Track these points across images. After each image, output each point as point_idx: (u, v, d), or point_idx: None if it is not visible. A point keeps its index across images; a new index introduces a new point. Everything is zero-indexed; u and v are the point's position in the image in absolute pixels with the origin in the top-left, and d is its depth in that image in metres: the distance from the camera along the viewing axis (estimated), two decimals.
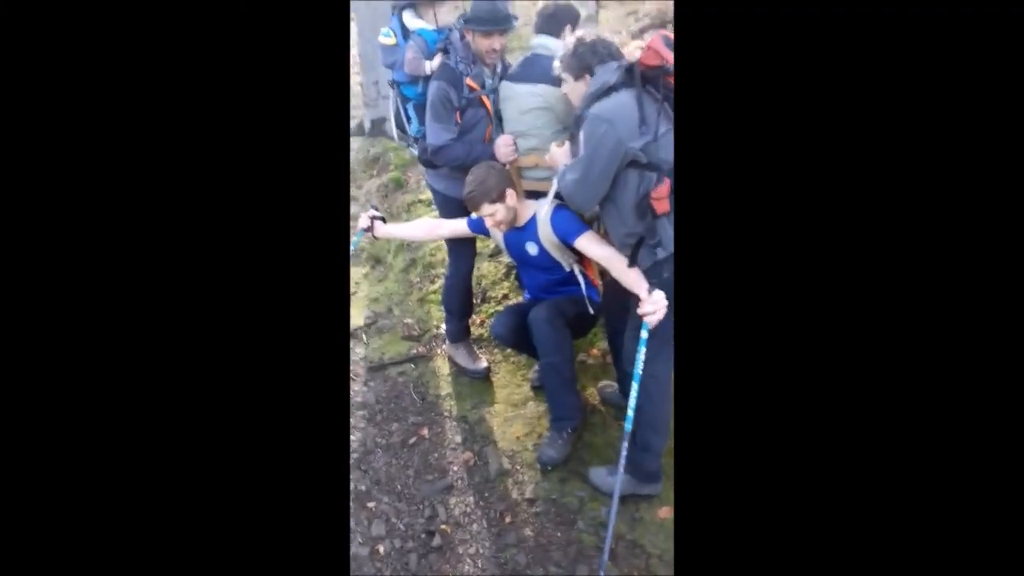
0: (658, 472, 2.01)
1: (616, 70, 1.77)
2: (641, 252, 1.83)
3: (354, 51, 5.97)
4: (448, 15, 2.34)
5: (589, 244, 2.02)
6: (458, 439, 2.38)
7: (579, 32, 1.95)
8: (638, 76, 1.73)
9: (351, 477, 2.23)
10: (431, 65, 2.23)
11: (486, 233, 2.29)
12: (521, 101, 2.17)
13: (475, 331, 2.85)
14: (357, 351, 2.95)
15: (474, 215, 2.18)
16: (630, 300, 1.90)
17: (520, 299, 2.82)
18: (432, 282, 3.32)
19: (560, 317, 2.14)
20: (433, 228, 2.51)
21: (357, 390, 2.68)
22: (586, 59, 1.83)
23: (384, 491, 2.17)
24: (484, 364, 2.65)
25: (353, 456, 2.32)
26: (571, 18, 2.23)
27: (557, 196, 2.00)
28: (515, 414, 2.45)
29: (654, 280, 1.80)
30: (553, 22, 2.20)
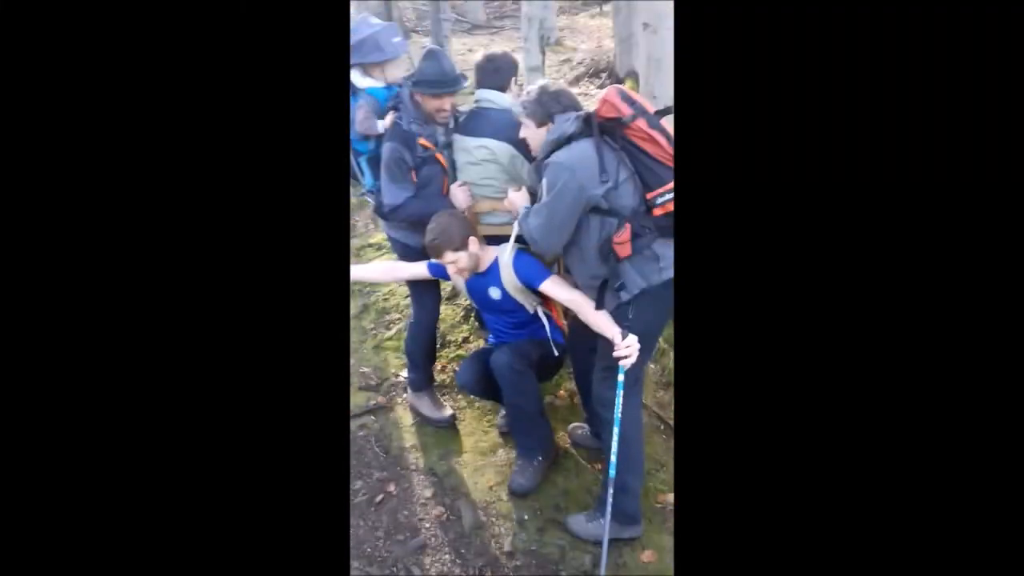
0: (637, 514, 2.01)
1: (575, 120, 1.83)
2: (607, 295, 1.86)
3: None
4: (397, 71, 2.35)
5: (555, 288, 2.04)
6: (427, 493, 2.28)
7: (543, 81, 2.00)
8: (596, 126, 1.80)
9: None
10: (383, 124, 2.24)
11: (447, 277, 2.27)
12: (470, 154, 2.20)
13: (437, 377, 2.78)
14: None
15: (435, 261, 2.15)
16: (597, 340, 1.92)
17: (482, 343, 2.79)
18: (387, 328, 3.23)
19: (523, 359, 2.13)
20: (391, 270, 2.48)
21: None
22: (549, 107, 1.88)
23: (354, 556, 2.03)
24: (449, 412, 2.57)
25: None
26: (513, 70, 2.27)
27: (519, 240, 2.01)
28: (485, 462, 2.38)
29: (621, 322, 1.83)
30: (498, 76, 2.20)
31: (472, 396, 2.61)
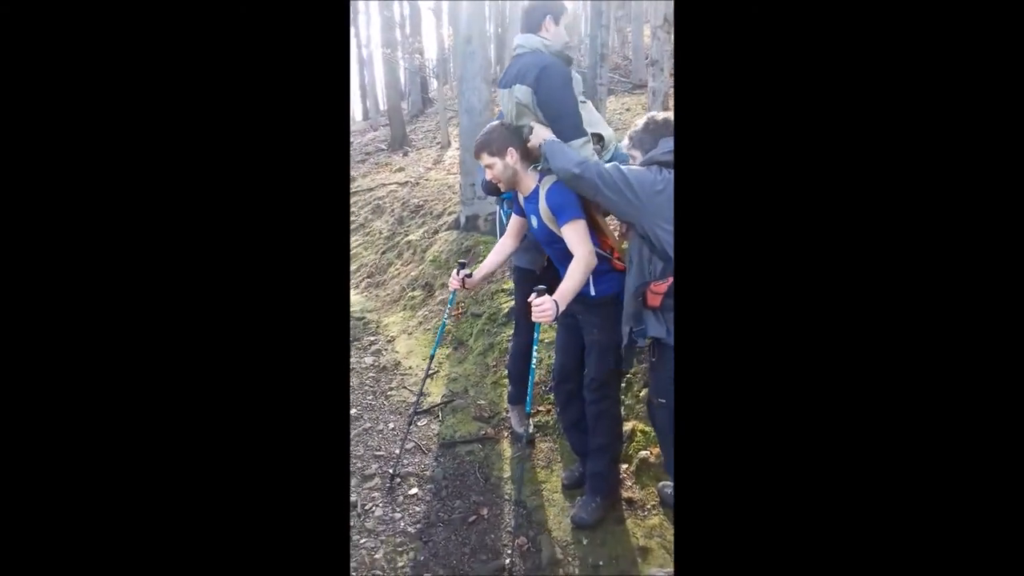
0: None
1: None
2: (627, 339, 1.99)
3: (455, 153, 6.52)
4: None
5: (573, 233, 2.00)
6: (515, 523, 2.46)
7: (652, 112, 2.13)
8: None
9: (411, 547, 2.36)
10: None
11: (523, 214, 2.32)
12: (507, 102, 2.22)
13: (542, 419, 2.98)
14: (432, 427, 3.16)
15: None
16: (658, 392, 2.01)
17: None
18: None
19: (613, 399, 2.28)
20: (502, 247, 2.53)
21: (428, 464, 2.86)
22: (658, 134, 2.01)
23: (440, 564, 2.28)
24: (530, 430, 2.83)
25: (417, 527, 2.47)
26: (547, 8, 2.23)
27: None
28: (572, 505, 2.51)
29: (643, 361, 1.95)
30: (533, 15, 2.22)
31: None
